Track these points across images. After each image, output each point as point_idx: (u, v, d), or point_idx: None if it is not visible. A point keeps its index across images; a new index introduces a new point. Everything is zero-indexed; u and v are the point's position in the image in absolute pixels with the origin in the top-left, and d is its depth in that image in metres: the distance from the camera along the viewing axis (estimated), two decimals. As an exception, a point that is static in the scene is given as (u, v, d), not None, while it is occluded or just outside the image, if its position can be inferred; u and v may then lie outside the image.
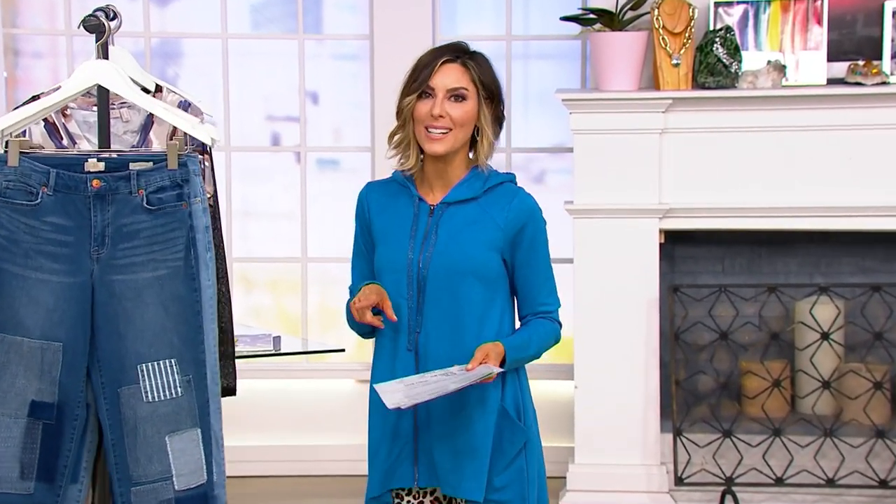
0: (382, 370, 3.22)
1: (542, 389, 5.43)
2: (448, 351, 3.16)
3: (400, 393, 3.05)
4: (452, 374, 3.07)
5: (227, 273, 3.40)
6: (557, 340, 3.27)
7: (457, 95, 3.15)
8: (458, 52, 3.19)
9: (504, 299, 3.23)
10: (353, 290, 3.27)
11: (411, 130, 3.19)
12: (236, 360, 3.52)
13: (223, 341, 3.40)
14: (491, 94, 3.20)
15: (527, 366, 3.29)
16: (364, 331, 3.26)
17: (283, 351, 4.38)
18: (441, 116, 3.13)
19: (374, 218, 3.25)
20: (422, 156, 3.22)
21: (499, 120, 3.24)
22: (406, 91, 3.18)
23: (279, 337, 4.36)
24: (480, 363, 3.07)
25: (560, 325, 3.27)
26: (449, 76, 3.15)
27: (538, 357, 3.27)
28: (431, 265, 3.16)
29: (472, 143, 3.23)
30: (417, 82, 3.15)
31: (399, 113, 3.19)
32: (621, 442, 5.14)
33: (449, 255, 3.17)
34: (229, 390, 3.45)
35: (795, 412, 5.25)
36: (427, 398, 3.03)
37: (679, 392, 5.18)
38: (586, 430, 5.15)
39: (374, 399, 3.20)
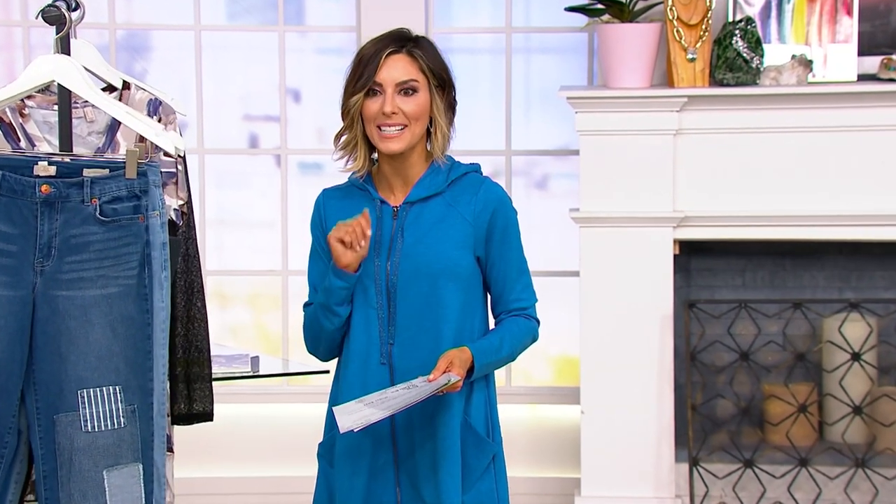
0: (352, 387, 3.21)
1: (545, 415, 5.56)
2: (426, 360, 3.15)
3: (359, 413, 3.04)
4: (415, 387, 3.07)
5: (202, 287, 3.37)
6: (535, 339, 3.29)
7: (407, 89, 3.17)
8: (402, 41, 3.19)
9: (481, 300, 3.26)
10: (321, 294, 3.21)
11: (360, 131, 3.19)
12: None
13: (199, 362, 3.36)
14: (441, 81, 3.21)
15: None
16: (329, 347, 3.27)
17: (261, 372, 4.37)
18: (394, 113, 3.15)
19: (333, 226, 3.23)
20: (374, 155, 3.24)
21: (452, 107, 3.25)
22: (351, 89, 3.18)
23: (257, 357, 4.36)
24: (444, 371, 3.08)
25: (538, 321, 3.29)
26: (396, 69, 3.16)
27: (513, 359, 3.29)
28: (401, 270, 3.18)
29: (429, 135, 3.25)
30: (363, 79, 3.16)
31: (345, 113, 3.20)
32: (632, 472, 5.13)
33: (418, 257, 3.18)
34: (206, 415, 3.41)
35: (823, 440, 5.26)
36: (387, 415, 3.02)
37: (695, 418, 5.17)
38: (594, 460, 5.13)
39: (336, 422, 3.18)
